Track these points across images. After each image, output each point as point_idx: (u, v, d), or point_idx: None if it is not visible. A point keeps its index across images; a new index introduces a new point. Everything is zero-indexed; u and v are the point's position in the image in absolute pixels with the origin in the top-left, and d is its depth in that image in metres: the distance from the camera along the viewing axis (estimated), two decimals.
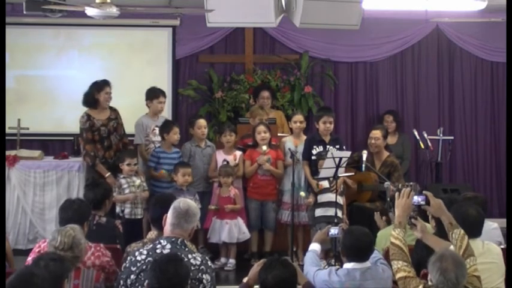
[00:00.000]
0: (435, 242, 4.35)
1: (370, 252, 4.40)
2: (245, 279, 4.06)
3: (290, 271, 3.75)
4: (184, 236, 3.93)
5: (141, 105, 7.62)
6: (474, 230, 4.26)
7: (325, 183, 6.83)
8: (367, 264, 4.32)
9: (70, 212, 4.56)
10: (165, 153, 7.14)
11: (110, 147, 7.03)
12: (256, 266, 3.98)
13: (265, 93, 8.27)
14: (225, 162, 7.19)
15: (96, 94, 7.00)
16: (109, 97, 7.03)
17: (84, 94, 7.05)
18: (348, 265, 4.32)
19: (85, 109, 7.04)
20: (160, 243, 3.90)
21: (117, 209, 6.70)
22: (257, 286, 3.90)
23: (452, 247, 3.98)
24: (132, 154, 6.90)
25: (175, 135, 7.14)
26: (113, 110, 7.15)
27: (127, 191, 6.74)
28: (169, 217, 3.98)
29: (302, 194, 6.95)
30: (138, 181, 6.81)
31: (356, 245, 4.33)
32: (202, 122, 7.39)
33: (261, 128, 7.20)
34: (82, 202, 4.79)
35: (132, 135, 7.42)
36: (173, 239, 3.89)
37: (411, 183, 4.63)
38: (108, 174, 6.88)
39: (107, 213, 5.53)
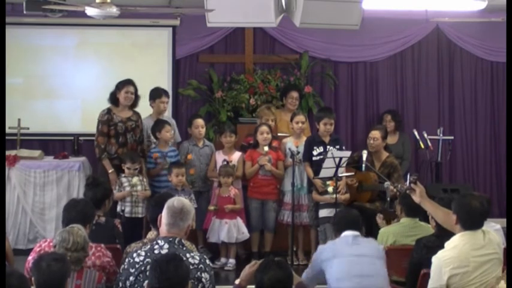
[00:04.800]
0: (433, 208, 4.41)
1: (359, 224, 4.87)
2: (237, 281, 4.06)
3: (286, 272, 3.76)
4: (180, 235, 3.91)
5: (140, 105, 7.62)
6: (476, 222, 4.20)
7: (329, 189, 6.81)
8: (357, 232, 4.77)
9: (74, 213, 4.55)
10: (161, 152, 7.15)
11: (124, 145, 7.01)
12: (248, 268, 3.99)
13: (295, 94, 8.26)
14: (225, 162, 7.20)
15: (117, 92, 7.03)
16: (128, 97, 7.03)
17: (110, 92, 7.11)
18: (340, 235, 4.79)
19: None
20: (157, 243, 3.89)
21: (118, 208, 6.71)
22: (251, 287, 3.91)
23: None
24: (133, 159, 6.86)
25: (167, 133, 7.14)
26: (136, 113, 7.16)
27: (127, 189, 6.76)
28: (164, 217, 3.95)
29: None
30: (138, 182, 6.82)
31: (346, 217, 4.91)
32: (198, 121, 7.39)
33: (264, 128, 7.21)
34: (87, 203, 4.78)
35: None
36: (170, 239, 3.88)
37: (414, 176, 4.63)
38: (111, 170, 6.88)
39: (107, 213, 5.53)
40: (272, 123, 7.49)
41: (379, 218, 5.87)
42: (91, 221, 4.65)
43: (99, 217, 5.20)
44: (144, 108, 7.51)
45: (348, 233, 4.74)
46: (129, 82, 7.07)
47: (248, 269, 3.99)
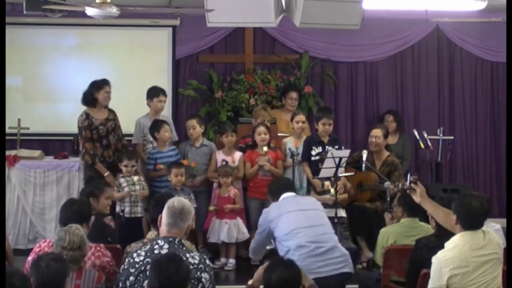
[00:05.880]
0: (433, 208, 4.43)
1: (294, 186, 5.54)
2: (250, 282, 4.06)
3: (293, 272, 3.75)
4: (180, 235, 3.92)
5: (140, 105, 7.62)
6: (476, 222, 4.18)
7: (332, 190, 6.78)
8: (294, 193, 5.28)
9: (69, 212, 4.56)
10: (161, 152, 7.15)
11: (108, 147, 7.03)
12: (261, 269, 3.99)
13: (294, 94, 8.26)
14: (224, 163, 7.20)
15: (95, 93, 7.00)
16: (108, 96, 7.04)
17: (83, 93, 7.07)
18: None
19: (84, 108, 7.06)
20: (157, 243, 3.89)
21: (117, 208, 6.72)
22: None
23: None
24: (129, 155, 6.89)
25: (166, 132, 7.13)
26: (111, 111, 7.15)
27: (126, 189, 6.77)
28: (164, 217, 3.96)
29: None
30: (136, 181, 6.82)
31: (280, 182, 5.54)
32: (189, 123, 7.39)
33: (261, 129, 7.21)
34: (83, 202, 4.79)
35: (131, 135, 7.45)
36: (170, 239, 3.88)
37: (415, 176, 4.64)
38: (107, 173, 6.88)
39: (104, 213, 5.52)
40: (268, 124, 7.47)
41: (387, 217, 5.84)
42: (88, 220, 4.63)
43: None
44: (144, 108, 7.51)
45: (286, 194, 5.20)
46: (107, 82, 7.07)
47: (261, 270, 3.99)
